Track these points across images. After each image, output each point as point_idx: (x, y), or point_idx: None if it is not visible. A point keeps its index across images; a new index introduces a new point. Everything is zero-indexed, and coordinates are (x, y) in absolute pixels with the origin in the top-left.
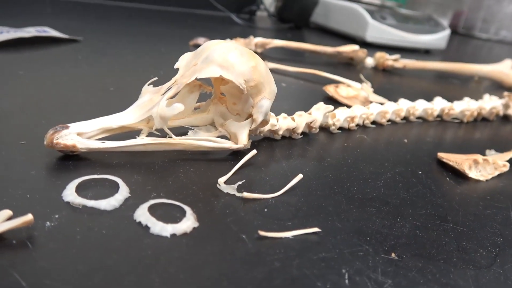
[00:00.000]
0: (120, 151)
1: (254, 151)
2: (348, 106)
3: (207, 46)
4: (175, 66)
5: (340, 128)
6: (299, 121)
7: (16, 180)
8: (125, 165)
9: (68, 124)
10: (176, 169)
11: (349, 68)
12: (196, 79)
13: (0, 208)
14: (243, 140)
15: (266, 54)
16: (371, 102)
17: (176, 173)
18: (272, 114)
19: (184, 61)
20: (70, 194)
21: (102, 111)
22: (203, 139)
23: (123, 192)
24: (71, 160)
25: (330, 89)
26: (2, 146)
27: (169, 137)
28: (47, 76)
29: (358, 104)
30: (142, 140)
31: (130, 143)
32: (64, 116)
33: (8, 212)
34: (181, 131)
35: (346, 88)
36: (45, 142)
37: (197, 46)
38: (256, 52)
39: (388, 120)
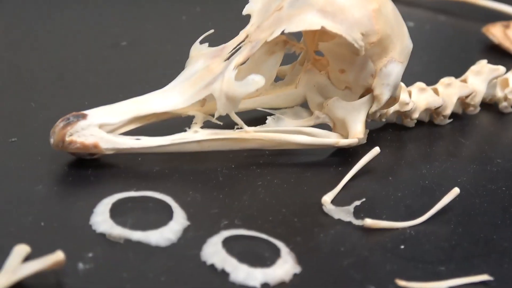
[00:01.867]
0: (162, 152)
1: (376, 149)
2: None
3: None
4: (245, 12)
5: None
6: (447, 94)
7: (20, 201)
8: (172, 174)
9: (85, 112)
10: (252, 180)
11: None
12: (282, 33)
13: (6, 242)
14: (357, 132)
15: None
16: None
17: (253, 188)
18: (402, 85)
19: (258, 3)
20: (103, 221)
21: (117, 84)
22: (291, 131)
23: (179, 218)
24: (90, 168)
25: (495, 32)
26: None
27: (238, 128)
28: (23, 27)
29: None
30: (196, 135)
31: (178, 140)
32: (61, 94)
33: (24, 248)
34: (254, 117)
35: None
36: (52, 140)
37: None
38: None
39: None
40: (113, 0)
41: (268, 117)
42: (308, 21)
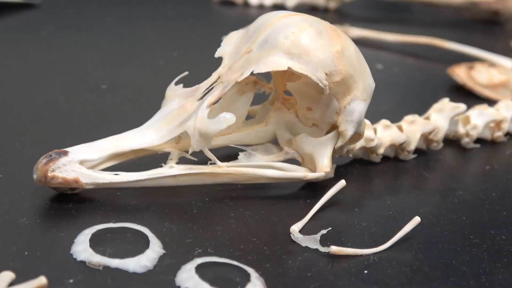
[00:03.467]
0: (140, 187)
1: (342, 182)
2: (490, 102)
3: (264, 21)
4: (217, 54)
5: (478, 141)
6: (411, 131)
7: (5, 232)
8: (149, 207)
9: (67, 149)
10: (224, 212)
11: (491, 31)
12: (252, 74)
13: None
14: (324, 166)
15: (342, 12)
16: None
17: (225, 219)
18: (367, 122)
19: (229, 46)
20: (83, 250)
21: (98, 124)
22: (262, 166)
23: (155, 247)
24: (71, 202)
25: (460, 72)
26: None
27: (211, 163)
28: (4, 69)
29: (510, 97)
30: (172, 170)
31: (154, 175)
32: (44, 133)
33: (9, 275)
34: (227, 154)
35: (487, 70)
36: (35, 176)
37: (225, 2)
38: (326, 10)
39: None
40: (95, 44)
41: (240, 153)
42: (275, 62)
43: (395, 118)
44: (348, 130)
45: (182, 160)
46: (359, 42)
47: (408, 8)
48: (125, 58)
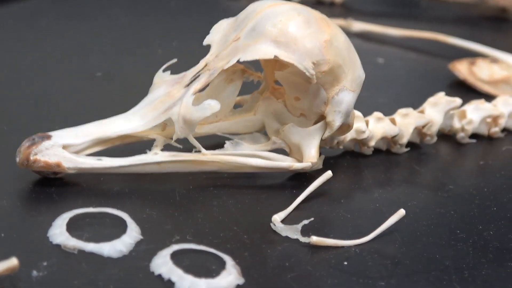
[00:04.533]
0: (124, 173)
1: (328, 173)
2: (490, 98)
3: (253, 9)
4: (205, 42)
5: (474, 136)
6: (404, 124)
7: None
8: (131, 193)
9: (50, 133)
10: (207, 200)
11: (499, 28)
12: (238, 62)
13: None
14: (311, 156)
15: (349, 6)
16: None
17: (208, 207)
18: (358, 113)
19: (218, 34)
20: (59, 233)
21: (88, 111)
22: (248, 155)
23: (133, 232)
24: (54, 186)
25: (461, 68)
26: None
27: (196, 151)
28: None
29: (510, 93)
30: (156, 157)
31: (138, 161)
32: (33, 119)
33: (13, 261)
34: (214, 142)
35: (489, 66)
36: (17, 159)
37: None
38: (332, 3)
39: None
40: (94, 34)
41: (226, 141)
42: (262, 50)
43: (392, 111)
44: (336, 121)
45: (167, 148)
46: (362, 36)
47: (416, 3)
48: (123, 48)
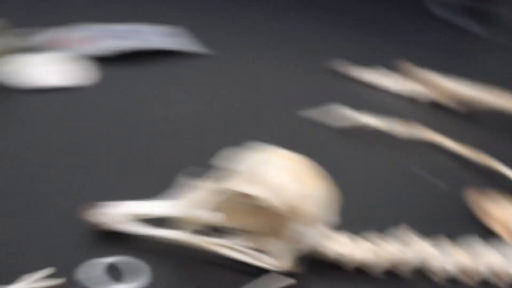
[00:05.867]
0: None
1: (288, 281)
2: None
3: (268, 158)
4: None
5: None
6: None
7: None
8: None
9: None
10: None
11: None
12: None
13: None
14: (284, 264)
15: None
16: None
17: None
18: (342, 235)
19: (246, 164)
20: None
21: None
22: (239, 250)
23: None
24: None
25: (476, 200)
26: None
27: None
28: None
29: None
30: (185, 236)
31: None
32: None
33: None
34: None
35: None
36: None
37: (334, 72)
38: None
39: None
40: None
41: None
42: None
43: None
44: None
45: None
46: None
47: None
48: None
